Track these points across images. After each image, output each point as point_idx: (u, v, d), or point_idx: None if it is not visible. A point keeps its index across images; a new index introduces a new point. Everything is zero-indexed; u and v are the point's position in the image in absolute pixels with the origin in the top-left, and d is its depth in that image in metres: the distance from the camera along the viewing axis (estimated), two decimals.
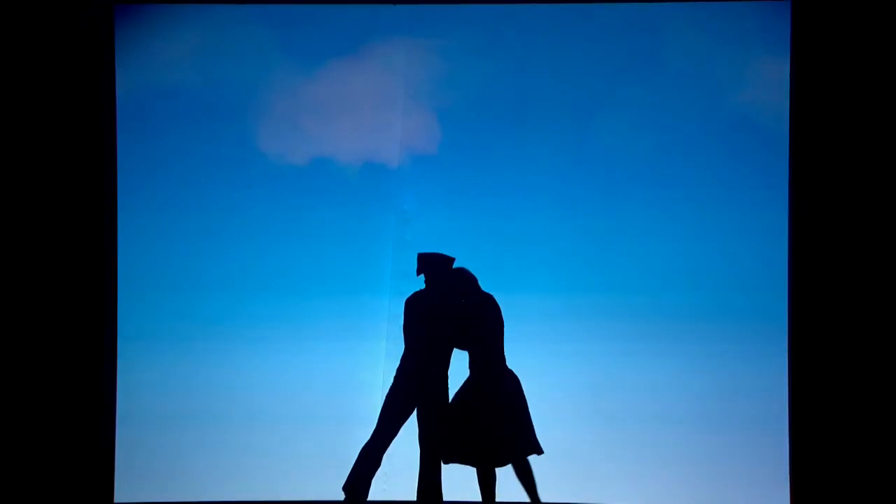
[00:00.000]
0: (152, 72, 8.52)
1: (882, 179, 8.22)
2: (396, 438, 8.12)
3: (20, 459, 8.30)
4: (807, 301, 8.21)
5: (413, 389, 7.93)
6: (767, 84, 8.34)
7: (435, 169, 8.53)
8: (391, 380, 8.12)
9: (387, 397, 7.97)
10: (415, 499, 8.04)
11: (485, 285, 8.21)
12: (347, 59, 8.51)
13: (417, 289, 8.22)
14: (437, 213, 8.48)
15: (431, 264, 8.05)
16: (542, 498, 8.02)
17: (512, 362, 8.14)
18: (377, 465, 7.92)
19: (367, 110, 8.50)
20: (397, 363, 8.18)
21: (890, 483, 8.03)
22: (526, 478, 7.80)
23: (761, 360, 8.26)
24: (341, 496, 8.08)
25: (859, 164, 8.23)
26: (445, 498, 8.20)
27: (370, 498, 8.22)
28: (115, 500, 8.34)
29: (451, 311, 7.94)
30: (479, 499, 7.99)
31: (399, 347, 8.17)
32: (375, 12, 8.52)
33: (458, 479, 8.20)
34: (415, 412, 7.95)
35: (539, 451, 7.79)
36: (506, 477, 7.98)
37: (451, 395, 7.91)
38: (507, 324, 8.21)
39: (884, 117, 8.22)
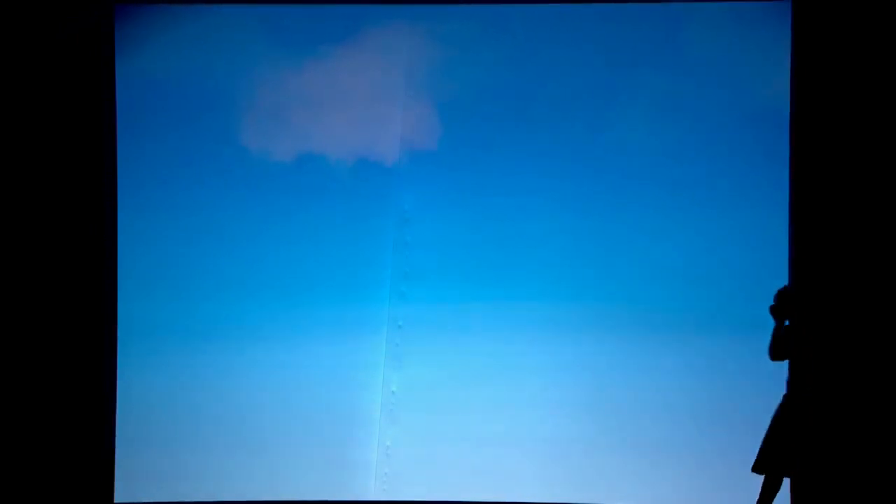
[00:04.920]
0: (152, 72, 8.52)
1: (884, 179, 8.19)
2: (396, 439, 8.16)
3: (20, 459, 8.31)
4: (807, 301, 8.19)
5: None
6: (776, 81, 8.32)
7: (435, 166, 8.49)
8: (391, 380, 8.13)
9: None
10: (413, 499, 8.07)
11: (487, 286, 8.22)
12: (343, 48, 8.46)
13: (418, 290, 8.23)
14: (438, 212, 8.45)
15: None
16: (540, 498, 8.02)
17: (514, 363, 8.15)
18: None
19: (362, 103, 8.45)
20: (397, 364, 8.19)
21: (890, 483, 8.02)
22: (771, 490, 7.70)
23: (762, 360, 8.23)
24: (340, 496, 8.10)
25: (861, 165, 8.20)
26: (448, 498, 8.22)
27: (373, 498, 8.25)
28: (115, 500, 8.36)
29: None
30: (479, 499, 8.02)
31: (399, 348, 8.19)
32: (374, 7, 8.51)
33: (459, 479, 8.23)
34: None
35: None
36: (498, 475, 8.01)
37: None
38: (509, 326, 8.23)
39: (886, 117, 8.19)
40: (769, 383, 8.20)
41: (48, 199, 8.42)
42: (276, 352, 8.34)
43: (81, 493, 8.34)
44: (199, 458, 8.35)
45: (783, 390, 7.97)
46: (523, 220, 8.44)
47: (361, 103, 8.45)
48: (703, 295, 8.30)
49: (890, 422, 8.07)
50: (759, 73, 8.30)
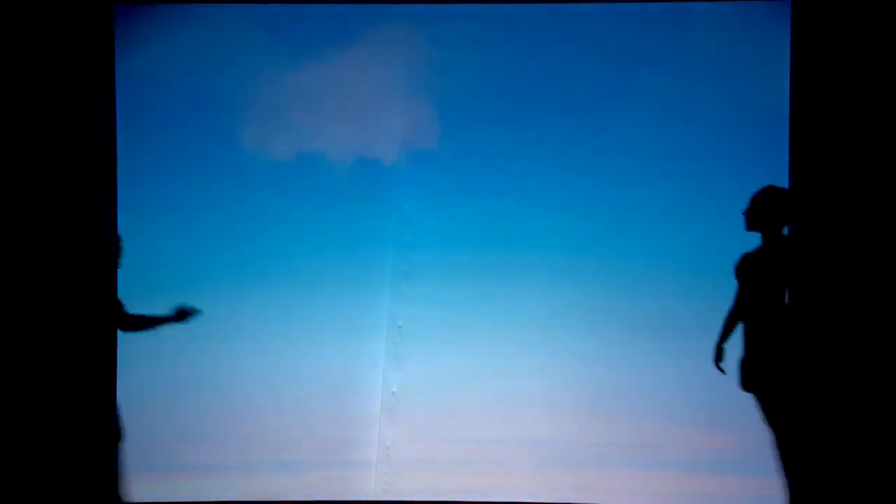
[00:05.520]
0: (152, 72, 8.52)
1: (885, 179, 8.18)
2: (396, 439, 8.16)
3: (19, 459, 8.31)
4: (807, 298, 8.18)
5: None
6: (776, 81, 8.31)
7: (435, 166, 8.49)
8: (391, 381, 8.13)
9: None
10: (413, 499, 8.07)
11: (487, 286, 8.21)
12: (343, 48, 8.46)
13: (421, 291, 8.24)
14: (438, 212, 8.45)
15: None
16: (539, 498, 8.01)
17: (514, 363, 8.15)
18: None
19: (362, 103, 8.45)
20: (397, 364, 8.18)
21: (890, 483, 8.00)
22: None
23: None
24: (340, 496, 8.09)
25: (862, 165, 8.19)
26: (448, 498, 8.21)
27: (373, 497, 8.25)
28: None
29: None
30: (479, 499, 8.02)
31: (399, 348, 8.18)
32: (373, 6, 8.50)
33: (459, 479, 8.23)
34: None
35: None
36: (498, 476, 8.00)
37: None
38: (509, 326, 8.24)
39: (886, 117, 8.18)
40: None
41: (48, 199, 8.41)
42: (276, 351, 8.35)
43: (81, 493, 8.33)
44: (199, 458, 8.36)
45: None
46: (524, 220, 8.44)
47: (361, 103, 8.45)
48: (706, 295, 8.29)
49: (890, 422, 8.07)
50: (758, 73, 8.29)
